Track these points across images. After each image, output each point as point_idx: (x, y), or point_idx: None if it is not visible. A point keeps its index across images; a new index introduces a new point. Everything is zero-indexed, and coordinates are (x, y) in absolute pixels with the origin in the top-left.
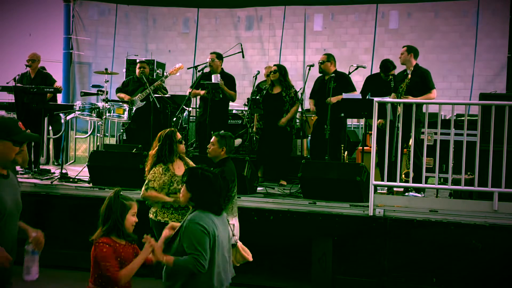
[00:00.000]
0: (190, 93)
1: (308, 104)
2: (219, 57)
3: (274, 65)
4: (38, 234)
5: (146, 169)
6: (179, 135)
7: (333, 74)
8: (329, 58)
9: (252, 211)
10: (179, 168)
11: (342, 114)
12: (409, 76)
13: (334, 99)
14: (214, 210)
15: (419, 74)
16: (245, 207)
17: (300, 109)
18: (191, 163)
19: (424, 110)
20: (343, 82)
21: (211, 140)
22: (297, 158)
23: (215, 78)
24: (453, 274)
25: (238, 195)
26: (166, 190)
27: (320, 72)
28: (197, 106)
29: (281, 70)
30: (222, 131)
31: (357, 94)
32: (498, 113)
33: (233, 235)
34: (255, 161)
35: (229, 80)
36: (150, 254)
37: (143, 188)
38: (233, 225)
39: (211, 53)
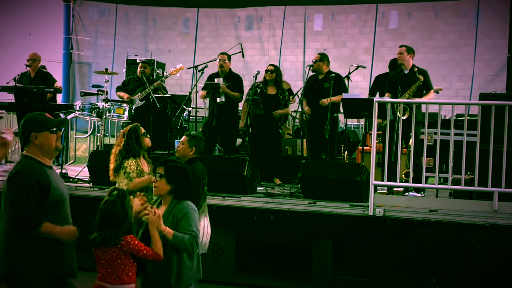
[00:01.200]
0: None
1: None
2: (229, 58)
3: (271, 64)
4: None
5: (111, 166)
6: (143, 129)
7: (333, 74)
8: (322, 58)
9: (252, 211)
10: (144, 165)
11: (336, 114)
12: (421, 78)
13: (326, 101)
14: (192, 199)
15: (419, 74)
16: (245, 207)
17: (300, 109)
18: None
19: (423, 110)
20: (337, 82)
21: (181, 140)
22: (297, 158)
23: (219, 81)
24: (453, 274)
25: (238, 195)
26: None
27: (312, 71)
28: (205, 107)
29: (277, 71)
30: (194, 132)
31: (356, 94)
32: (498, 113)
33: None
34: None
35: (235, 80)
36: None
37: (124, 181)
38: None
39: (222, 54)
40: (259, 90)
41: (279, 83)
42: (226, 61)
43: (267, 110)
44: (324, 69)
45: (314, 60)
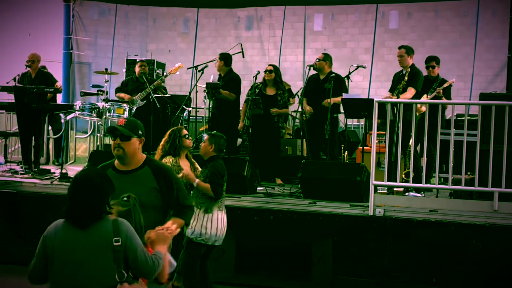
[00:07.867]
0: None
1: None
2: (222, 57)
3: (270, 65)
4: None
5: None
6: (185, 131)
7: (333, 75)
8: (326, 58)
9: (252, 211)
10: (184, 164)
11: (336, 115)
12: (406, 78)
13: (331, 101)
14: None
15: (411, 74)
16: (245, 207)
17: (300, 109)
18: (196, 164)
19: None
20: (338, 83)
21: (204, 138)
22: (297, 158)
23: (211, 78)
24: (453, 274)
25: (238, 195)
26: None
27: (314, 69)
28: (210, 107)
29: (277, 71)
30: (215, 131)
31: (356, 94)
32: (498, 113)
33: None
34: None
35: (230, 81)
36: None
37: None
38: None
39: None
40: (257, 91)
41: (278, 84)
42: (216, 61)
43: (266, 110)
44: (326, 69)
45: (317, 59)
